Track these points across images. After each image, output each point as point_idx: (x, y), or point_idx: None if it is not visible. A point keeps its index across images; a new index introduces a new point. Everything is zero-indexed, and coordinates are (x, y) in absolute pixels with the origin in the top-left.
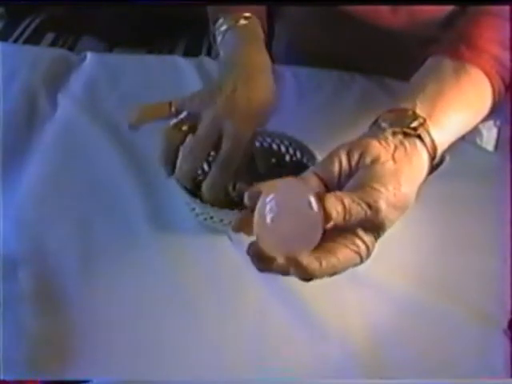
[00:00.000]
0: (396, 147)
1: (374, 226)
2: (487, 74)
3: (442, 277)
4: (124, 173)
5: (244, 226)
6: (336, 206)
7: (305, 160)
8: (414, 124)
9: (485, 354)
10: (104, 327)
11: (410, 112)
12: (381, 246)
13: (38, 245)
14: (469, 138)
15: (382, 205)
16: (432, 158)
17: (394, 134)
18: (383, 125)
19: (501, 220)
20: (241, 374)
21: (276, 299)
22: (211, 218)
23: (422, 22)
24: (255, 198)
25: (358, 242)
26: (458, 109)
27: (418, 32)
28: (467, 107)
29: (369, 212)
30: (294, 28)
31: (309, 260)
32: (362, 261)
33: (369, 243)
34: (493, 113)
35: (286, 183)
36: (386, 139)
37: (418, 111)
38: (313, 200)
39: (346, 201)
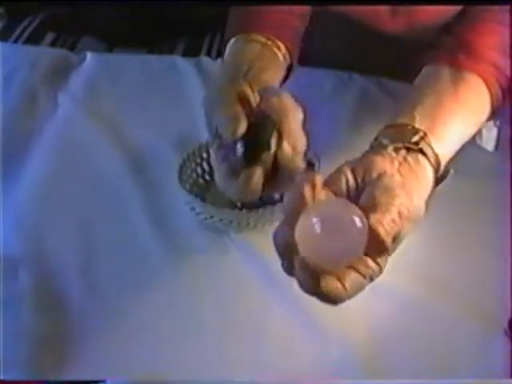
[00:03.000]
0: (400, 163)
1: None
2: (486, 81)
3: (442, 276)
4: (124, 172)
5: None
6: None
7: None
8: (415, 138)
9: (485, 353)
10: (104, 327)
11: (410, 127)
12: None
13: (38, 245)
14: None
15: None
16: (436, 170)
17: (396, 149)
18: (384, 141)
19: (501, 220)
20: (241, 373)
21: (276, 299)
22: (211, 217)
23: (421, 27)
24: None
25: (372, 264)
26: (457, 120)
27: (416, 37)
28: (466, 117)
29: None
30: None
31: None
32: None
33: (381, 263)
34: (492, 118)
35: (332, 203)
36: (389, 155)
37: (418, 125)
38: (356, 219)
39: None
